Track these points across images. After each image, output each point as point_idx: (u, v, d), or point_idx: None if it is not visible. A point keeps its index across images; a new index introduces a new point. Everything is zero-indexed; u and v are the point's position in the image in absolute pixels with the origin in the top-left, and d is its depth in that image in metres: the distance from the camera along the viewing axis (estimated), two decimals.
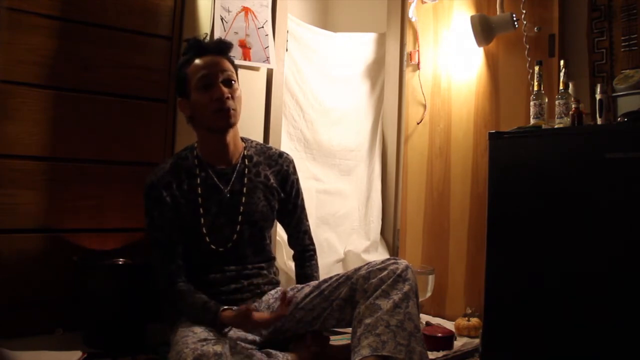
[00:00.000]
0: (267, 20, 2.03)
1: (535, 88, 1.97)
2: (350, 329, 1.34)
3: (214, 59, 1.49)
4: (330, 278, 1.46)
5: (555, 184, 1.72)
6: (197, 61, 1.49)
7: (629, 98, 1.77)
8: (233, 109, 1.48)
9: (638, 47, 2.01)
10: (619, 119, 1.72)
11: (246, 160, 1.58)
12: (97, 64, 1.87)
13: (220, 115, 1.47)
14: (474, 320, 2.16)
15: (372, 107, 2.74)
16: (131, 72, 1.94)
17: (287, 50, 2.21)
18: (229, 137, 1.53)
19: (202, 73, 1.47)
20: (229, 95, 1.47)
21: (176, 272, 1.46)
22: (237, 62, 1.61)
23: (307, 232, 1.70)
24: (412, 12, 2.71)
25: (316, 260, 1.69)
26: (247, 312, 1.30)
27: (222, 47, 1.53)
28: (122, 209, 1.91)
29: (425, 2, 2.71)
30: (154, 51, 2.00)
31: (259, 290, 1.54)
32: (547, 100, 1.97)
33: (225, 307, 1.38)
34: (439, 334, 1.98)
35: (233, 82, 1.51)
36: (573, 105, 1.82)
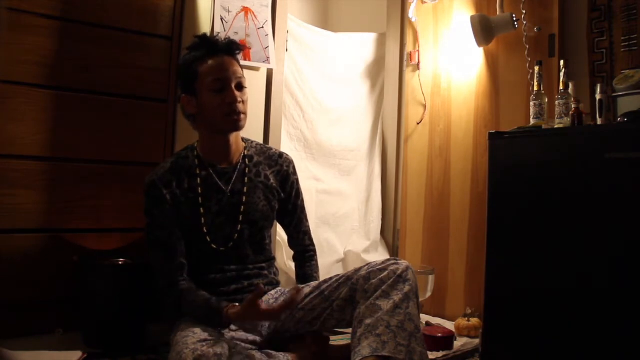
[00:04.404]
0: (267, 20, 2.03)
1: (535, 88, 1.97)
2: (351, 329, 1.34)
3: (227, 61, 1.49)
4: (331, 278, 1.46)
5: (555, 184, 1.72)
6: (210, 61, 1.48)
7: (629, 98, 1.76)
8: (243, 113, 1.50)
9: (638, 47, 2.01)
10: (619, 119, 1.72)
11: (247, 160, 1.58)
12: (97, 64, 1.87)
13: (230, 119, 1.48)
14: (474, 320, 2.16)
15: (372, 107, 2.74)
16: (131, 72, 1.94)
17: (287, 50, 2.21)
18: (232, 137, 1.54)
19: (216, 76, 1.47)
20: (241, 100, 1.49)
21: (177, 270, 1.45)
22: None
23: (307, 232, 1.70)
24: (412, 12, 2.71)
25: (316, 261, 1.70)
26: (255, 303, 1.29)
27: (233, 48, 1.53)
28: (122, 209, 1.91)
29: (425, 2, 2.71)
30: (154, 51, 1.99)
31: None
32: (547, 100, 1.97)
33: (228, 303, 1.38)
34: (439, 334, 1.98)
35: (244, 86, 1.52)
36: (573, 106, 1.82)
